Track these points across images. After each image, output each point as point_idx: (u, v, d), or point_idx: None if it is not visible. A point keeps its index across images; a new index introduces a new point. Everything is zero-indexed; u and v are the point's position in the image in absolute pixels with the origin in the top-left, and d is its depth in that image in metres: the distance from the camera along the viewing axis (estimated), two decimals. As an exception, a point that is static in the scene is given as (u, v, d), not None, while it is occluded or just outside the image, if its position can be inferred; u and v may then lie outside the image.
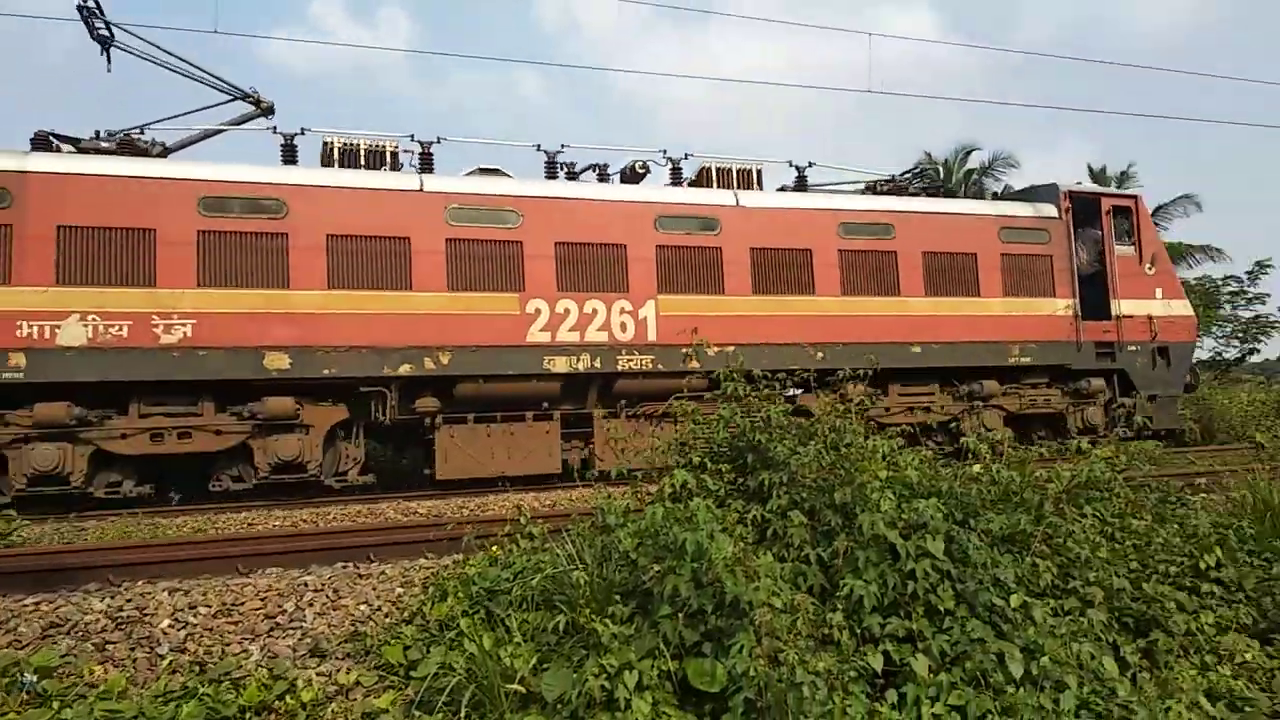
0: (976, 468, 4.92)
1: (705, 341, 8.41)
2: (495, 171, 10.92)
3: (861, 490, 4.18)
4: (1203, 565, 4.76)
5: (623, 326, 10.68)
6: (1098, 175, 40.50)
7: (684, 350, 10.12)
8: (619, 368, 10.55)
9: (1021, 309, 12.64)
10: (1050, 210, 13.08)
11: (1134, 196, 13.95)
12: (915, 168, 13.84)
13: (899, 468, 4.64)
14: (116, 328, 8.81)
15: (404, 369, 9.74)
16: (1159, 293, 13.52)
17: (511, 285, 10.24)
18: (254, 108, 10.64)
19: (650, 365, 10.72)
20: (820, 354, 11.15)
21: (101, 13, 9.88)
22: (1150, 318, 13.24)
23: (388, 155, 10.46)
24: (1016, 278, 12.68)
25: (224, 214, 9.30)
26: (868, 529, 3.93)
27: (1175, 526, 5.10)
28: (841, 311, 11.59)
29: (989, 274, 12.51)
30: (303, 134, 10.34)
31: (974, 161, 35.86)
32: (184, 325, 9.01)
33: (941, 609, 3.79)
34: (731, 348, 10.52)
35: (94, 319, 8.78)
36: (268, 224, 9.43)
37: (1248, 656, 4.29)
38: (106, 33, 9.97)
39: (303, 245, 9.47)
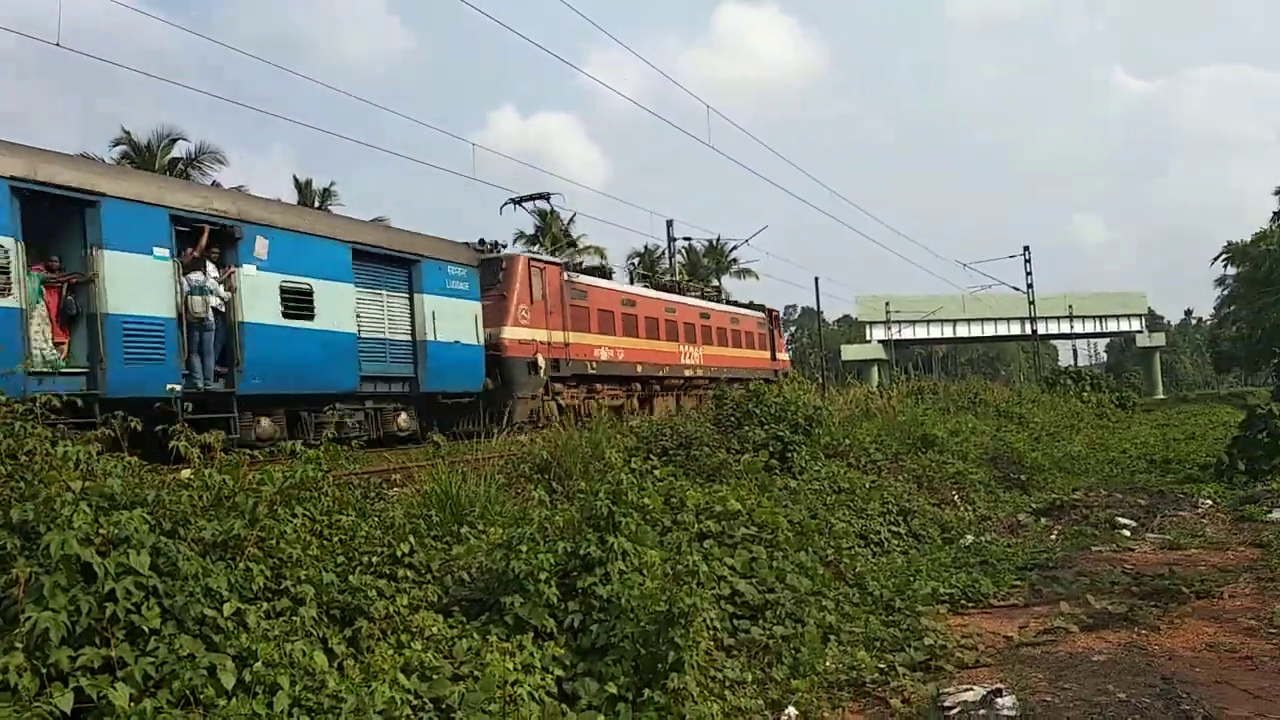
0: (186, 473, 4.75)
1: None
2: (671, 289, 31.45)
3: (49, 505, 3.65)
4: (399, 552, 5.44)
5: (696, 358, 29.10)
6: (303, 187, 43.13)
7: (709, 369, 29.82)
8: (697, 375, 28.96)
9: (760, 356, 35.36)
10: (764, 316, 36.87)
11: (776, 310, 39.25)
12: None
13: (96, 476, 4.18)
14: (611, 353, 23.69)
15: (662, 373, 26.73)
16: (785, 350, 43.12)
17: (675, 340, 28.00)
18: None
19: (701, 374, 29.17)
20: (726, 374, 30.03)
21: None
22: (783, 361, 39.51)
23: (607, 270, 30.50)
24: (759, 343, 35.59)
25: (627, 306, 25.26)
26: (56, 550, 3.46)
27: (376, 519, 5.70)
28: (732, 354, 32.52)
29: (757, 342, 35.40)
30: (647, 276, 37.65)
31: (179, 150, 34.89)
32: (621, 352, 24.22)
33: (147, 629, 3.56)
34: (713, 367, 30.08)
35: (607, 349, 23.53)
36: (632, 310, 25.47)
37: (434, 630, 5.06)
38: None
39: (642, 321, 25.78)
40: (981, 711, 5.60)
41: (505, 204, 23.99)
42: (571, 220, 54.48)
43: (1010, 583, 9.29)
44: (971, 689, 6.02)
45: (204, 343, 13.26)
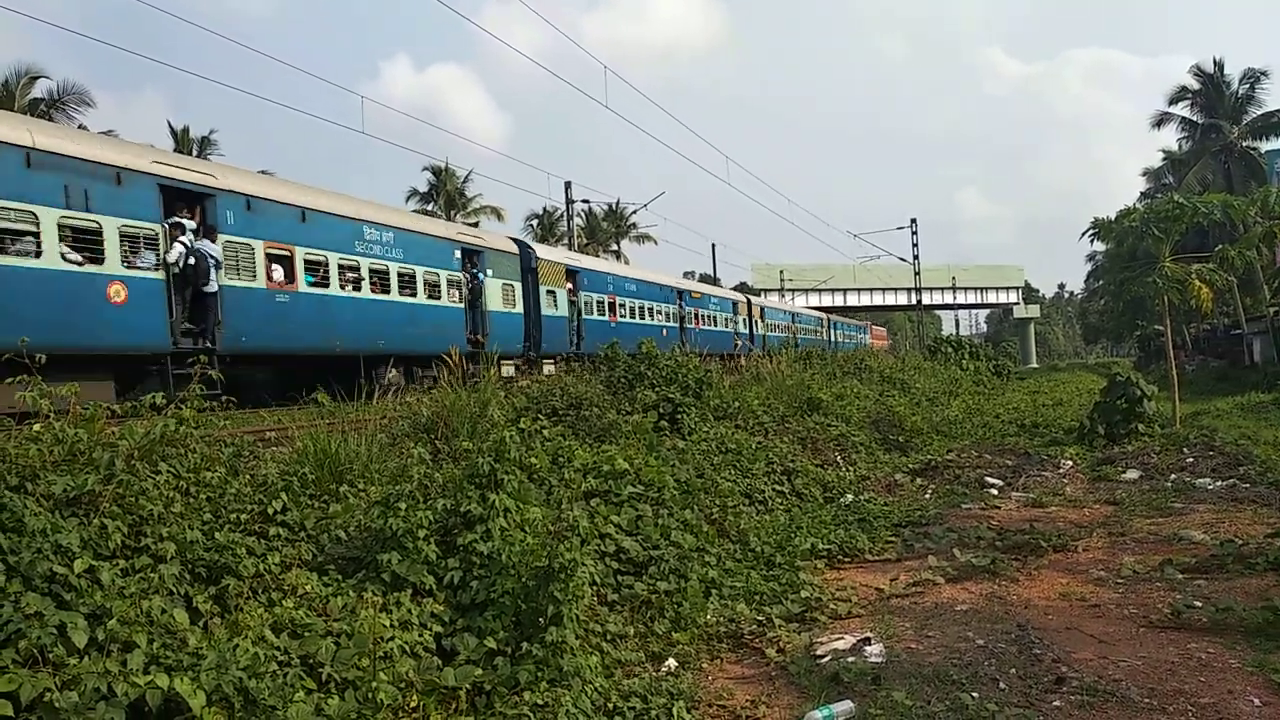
0: (37, 426, 4.49)
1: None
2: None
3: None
4: (270, 510, 5.30)
5: (879, 345, 68.87)
6: (179, 135, 40.99)
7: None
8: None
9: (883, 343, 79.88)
10: (885, 330, 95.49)
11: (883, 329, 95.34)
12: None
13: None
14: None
15: None
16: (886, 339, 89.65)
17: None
18: None
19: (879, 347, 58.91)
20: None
21: None
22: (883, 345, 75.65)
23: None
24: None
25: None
26: (-119, 503, 3.23)
27: (248, 477, 5.53)
28: (882, 341, 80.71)
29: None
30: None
31: (41, 90, 32.72)
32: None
33: (-11, 587, 3.37)
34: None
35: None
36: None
37: (308, 588, 4.94)
38: None
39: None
40: (851, 659, 5.85)
41: None
42: (467, 179, 53.50)
43: (885, 538, 9.69)
44: (843, 638, 6.28)
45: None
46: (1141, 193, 57.34)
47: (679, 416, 12.14)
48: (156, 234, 13.28)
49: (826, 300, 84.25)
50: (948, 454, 15.79)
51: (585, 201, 51.75)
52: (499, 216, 55.38)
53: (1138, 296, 42.01)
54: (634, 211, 61.69)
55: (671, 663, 5.91)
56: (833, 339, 58.70)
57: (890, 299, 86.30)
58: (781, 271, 77.38)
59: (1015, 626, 6.41)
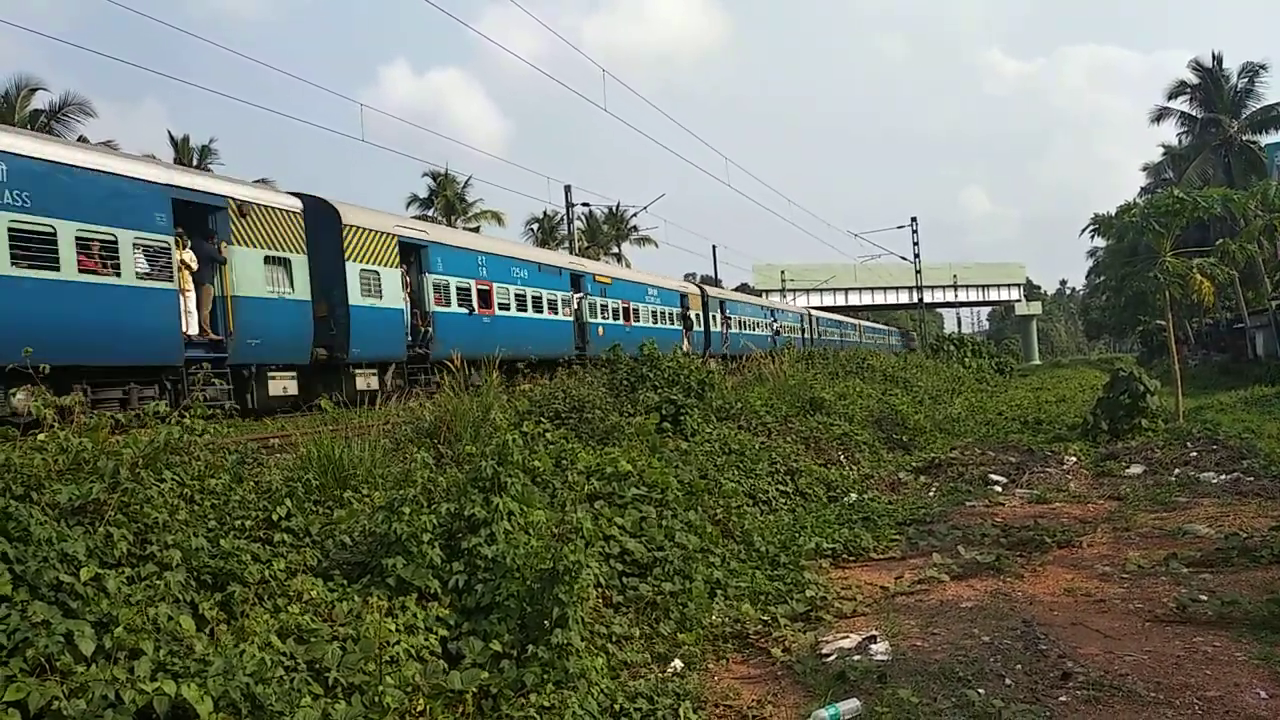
0: (42, 436, 4.51)
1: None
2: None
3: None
4: (275, 516, 5.31)
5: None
6: (179, 144, 41.12)
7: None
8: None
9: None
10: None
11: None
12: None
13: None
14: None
15: None
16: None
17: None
18: None
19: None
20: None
21: None
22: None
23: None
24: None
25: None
26: (-112, 514, 3.24)
27: (252, 484, 5.54)
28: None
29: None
30: None
31: (40, 102, 32.86)
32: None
33: (-4, 596, 3.39)
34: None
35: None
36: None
37: (313, 594, 4.96)
38: None
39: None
40: (856, 657, 5.85)
41: None
42: (467, 184, 53.53)
43: (889, 537, 9.68)
44: (848, 636, 6.27)
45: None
46: (1142, 188, 57.17)
47: (682, 418, 12.13)
48: None
49: (828, 299, 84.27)
50: (951, 452, 15.78)
51: (585, 205, 51.72)
52: (499, 221, 55.41)
53: (1139, 291, 42.02)
54: (634, 214, 61.77)
55: (677, 663, 5.91)
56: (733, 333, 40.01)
57: (892, 298, 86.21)
58: (783, 272, 77.40)
59: (1020, 623, 6.40)
